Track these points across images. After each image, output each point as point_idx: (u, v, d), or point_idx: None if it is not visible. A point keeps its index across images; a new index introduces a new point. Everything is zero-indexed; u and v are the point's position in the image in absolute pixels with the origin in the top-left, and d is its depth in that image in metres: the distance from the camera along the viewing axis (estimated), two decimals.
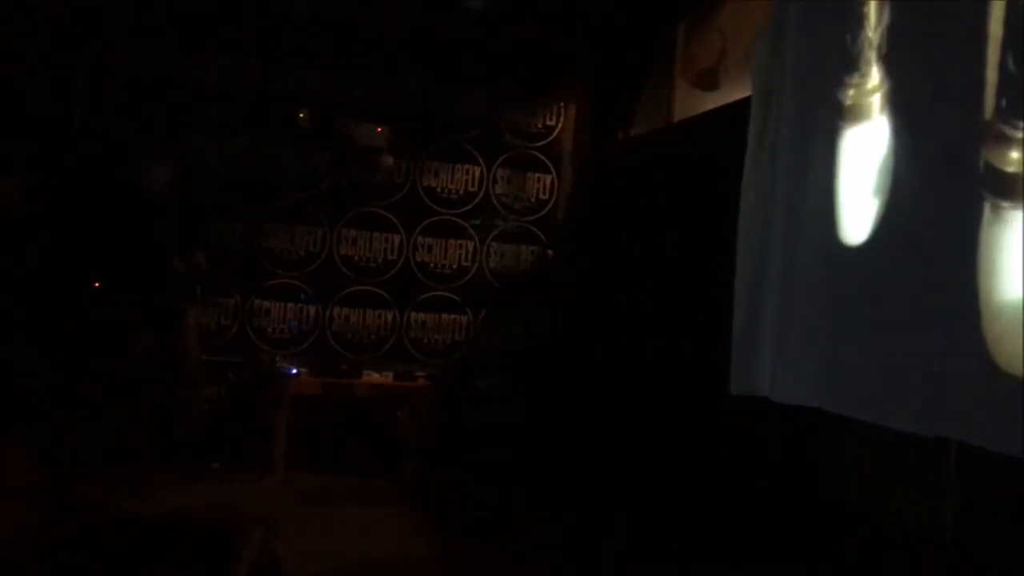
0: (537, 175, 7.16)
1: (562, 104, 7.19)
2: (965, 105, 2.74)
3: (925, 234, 2.96)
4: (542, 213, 7.17)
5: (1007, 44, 2.63)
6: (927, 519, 3.26)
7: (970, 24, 2.75)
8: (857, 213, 3.33)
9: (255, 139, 6.59)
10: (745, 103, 4.17)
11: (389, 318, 6.92)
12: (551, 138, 7.18)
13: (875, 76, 3.22)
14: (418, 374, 6.76)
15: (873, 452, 3.54)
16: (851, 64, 3.32)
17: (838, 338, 3.40)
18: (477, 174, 7.05)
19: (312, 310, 6.78)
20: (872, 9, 3.27)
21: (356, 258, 6.85)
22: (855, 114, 3.31)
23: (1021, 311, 2.53)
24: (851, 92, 3.28)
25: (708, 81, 5.88)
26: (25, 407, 5.81)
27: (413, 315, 6.95)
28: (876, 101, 3.23)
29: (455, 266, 7.02)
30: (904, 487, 3.43)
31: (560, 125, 7.20)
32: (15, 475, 5.34)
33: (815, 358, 3.52)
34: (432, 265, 6.98)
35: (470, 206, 7.03)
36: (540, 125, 7.16)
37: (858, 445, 3.62)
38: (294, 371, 6.42)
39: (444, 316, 7.00)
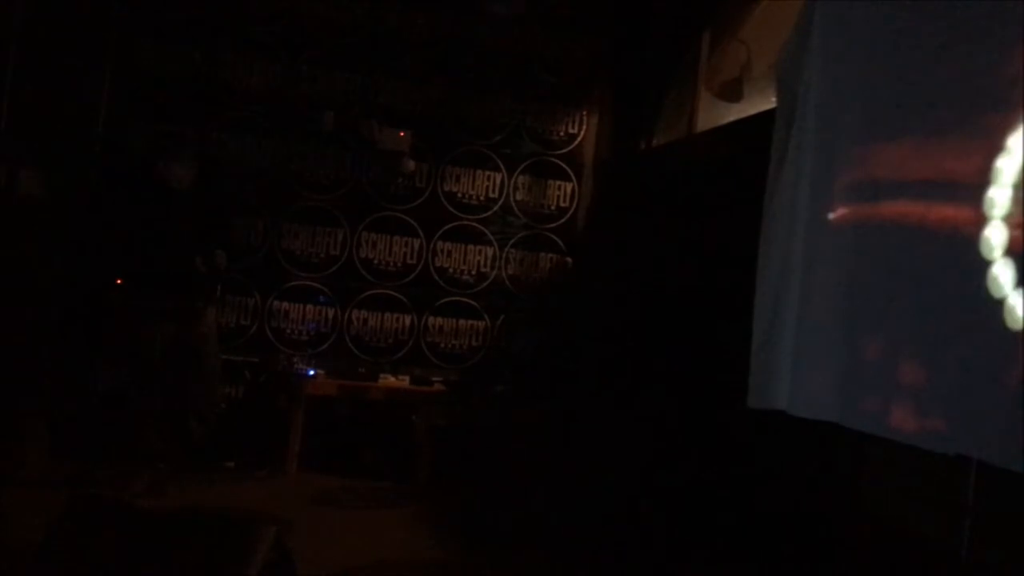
0: (558, 182, 7.17)
1: (585, 112, 7.19)
2: None
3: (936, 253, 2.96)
4: (562, 221, 7.17)
5: None
6: (943, 537, 3.24)
7: None
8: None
9: (279, 140, 6.63)
10: (769, 115, 4.16)
11: (407, 322, 6.93)
12: (573, 146, 7.19)
13: None
14: (435, 379, 6.76)
15: (891, 467, 3.52)
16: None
17: (856, 353, 3.39)
18: (498, 180, 7.06)
19: (331, 312, 6.80)
20: None
21: (376, 261, 6.87)
22: None
23: None
24: None
25: (731, 92, 5.87)
26: (45, 401, 5.85)
27: (431, 319, 6.96)
28: None
29: (474, 272, 7.03)
30: (921, 504, 3.41)
31: (582, 133, 7.20)
32: (33, 468, 5.38)
33: (833, 373, 3.51)
34: (451, 270, 7.00)
35: (490, 212, 7.04)
36: (562, 133, 7.17)
37: (875, 460, 3.60)
38: (311, 372, 6.44)
39: (462, 321, 7.01)
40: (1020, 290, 2.64)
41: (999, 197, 2.75)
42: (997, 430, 2.66)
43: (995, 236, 2.74)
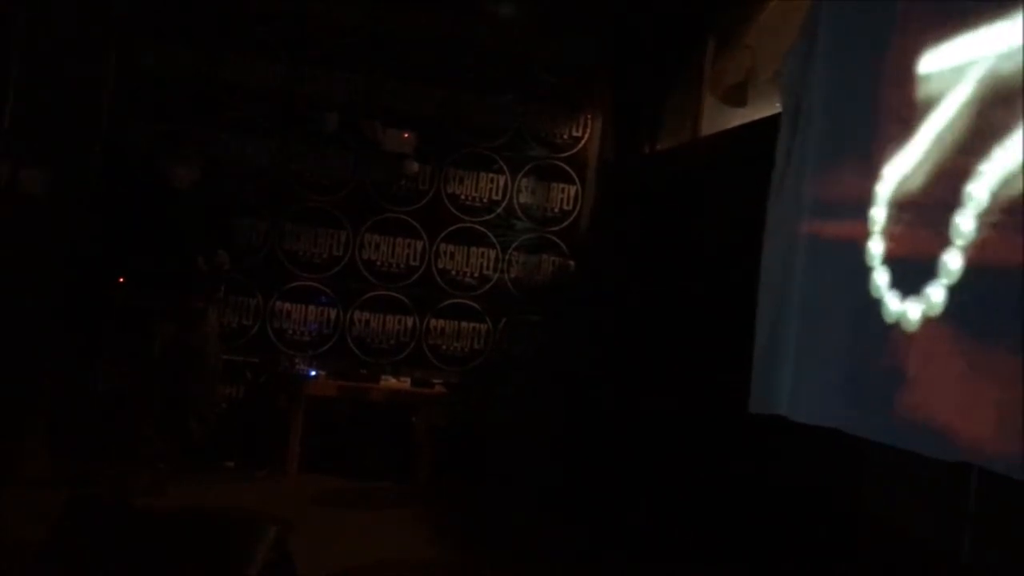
0: (561, 185, 7.16)
1: (588, 115, 7.19)
2: None
3: None
4: (565, 224, 7.16)
5: None
6: (945, 541, 3.23)
7: None
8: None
9: (281, 141, 6.63)
10: (773, 120, 4.16)
11: (409, 324, 6.93)
12: (577, 149, 7.18)
13: None
14: (436, 381, 6.76)
15: (892, 470, 3.51)
16: None
17: (858, 359, 3.39)
18: (501, 183, 7.05)
19: (332, 313, 6.80)
20: None
21: (378, 263, 6.87)
22: None
23: None
24: None
25: (736, 97, 5.87)
26: (45, 401, 5.85)
27: (433, 321, 6.96)
28: None
29: (477, 274, 7.02)
30: (922, 508, 3.40)
31: (586, 136, 7.19)
32: (33, 468, 5.38)
33: (835, 379, 3.50)
34: (453, 272, 6.99)
35: (493, 214, 7.03)
36: (566, 136, 7.16)
37: (877, 463, 3.59)
38: (312, 373, 6.43)
39: (464, 324, 7.00)
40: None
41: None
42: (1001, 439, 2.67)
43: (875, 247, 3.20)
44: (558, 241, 7.15)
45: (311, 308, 6.78)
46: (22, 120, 5.59)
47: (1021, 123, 2.65)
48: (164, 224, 5.57)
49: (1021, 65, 2.66)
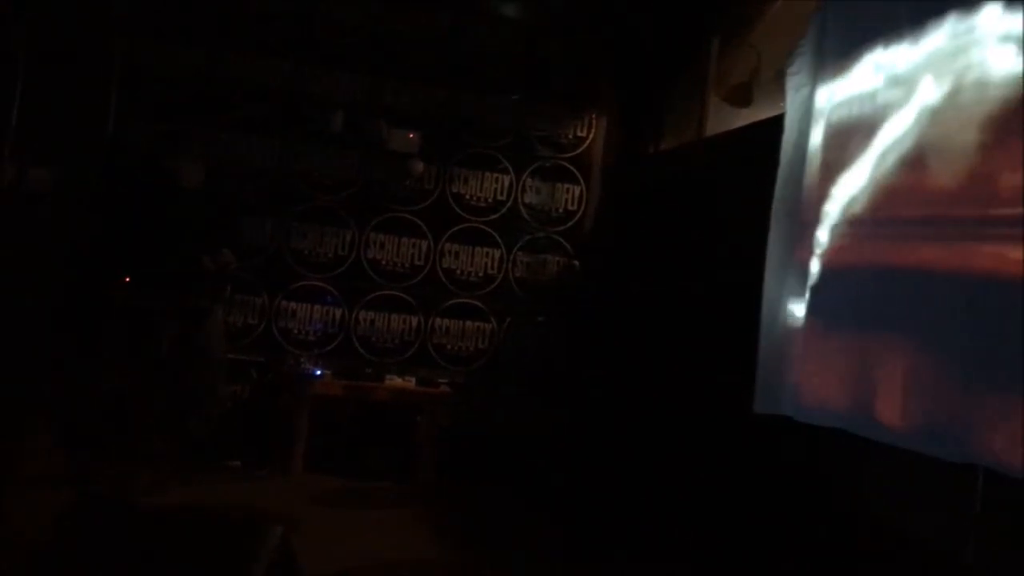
0: (566, 186, 7.15)
1: (593, 115, 7.18)
2: None
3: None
4: (570, 224, 7.15)
5: None
6: (944, 541, 3.22)
7: None
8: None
9: (287, 140, 6.63)
10: (778, 120, 4.16)
11: (414, 323, 6.92)
12: (581, 149, 7.17)
13: None
14: (441, 380, 6.75)
15: (892, 470, 3.50)
16: None
17: (862, 360, 3.38)
18: (506, 183, 7.05)
19: (338, 312, 6.80)
20: None
21: (383, 262, 6.87)
22: None
23: None
24: None
25: (741, 97, 5.86)
26: (45, 400, 5.86)
27: (438, 321, 6.95)
28: None
29: (481, 273, 7.02)
30: (923, 507, 3.39)
31: (591, 137, 7.18)
32: (35, 467, 5.38)
33: (839, 380, 3.49)
34: (458, 272, 6.99)
35: (498, 214, 7.03)
36: (571, 136, 7.15)
37: (877, 463, 3.58)
38: (318, 372, 6.43)
39: (468, 323, 7.00)
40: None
41: None
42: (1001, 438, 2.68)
43: None
44: (563, 241, 7.14)
45: (316, 307, 6.78)
46: (26, 120, 5.61)
47: (857, 157, 3.44)
48: (168, 223, 5.57)
49: (851, 114, 3.54)
